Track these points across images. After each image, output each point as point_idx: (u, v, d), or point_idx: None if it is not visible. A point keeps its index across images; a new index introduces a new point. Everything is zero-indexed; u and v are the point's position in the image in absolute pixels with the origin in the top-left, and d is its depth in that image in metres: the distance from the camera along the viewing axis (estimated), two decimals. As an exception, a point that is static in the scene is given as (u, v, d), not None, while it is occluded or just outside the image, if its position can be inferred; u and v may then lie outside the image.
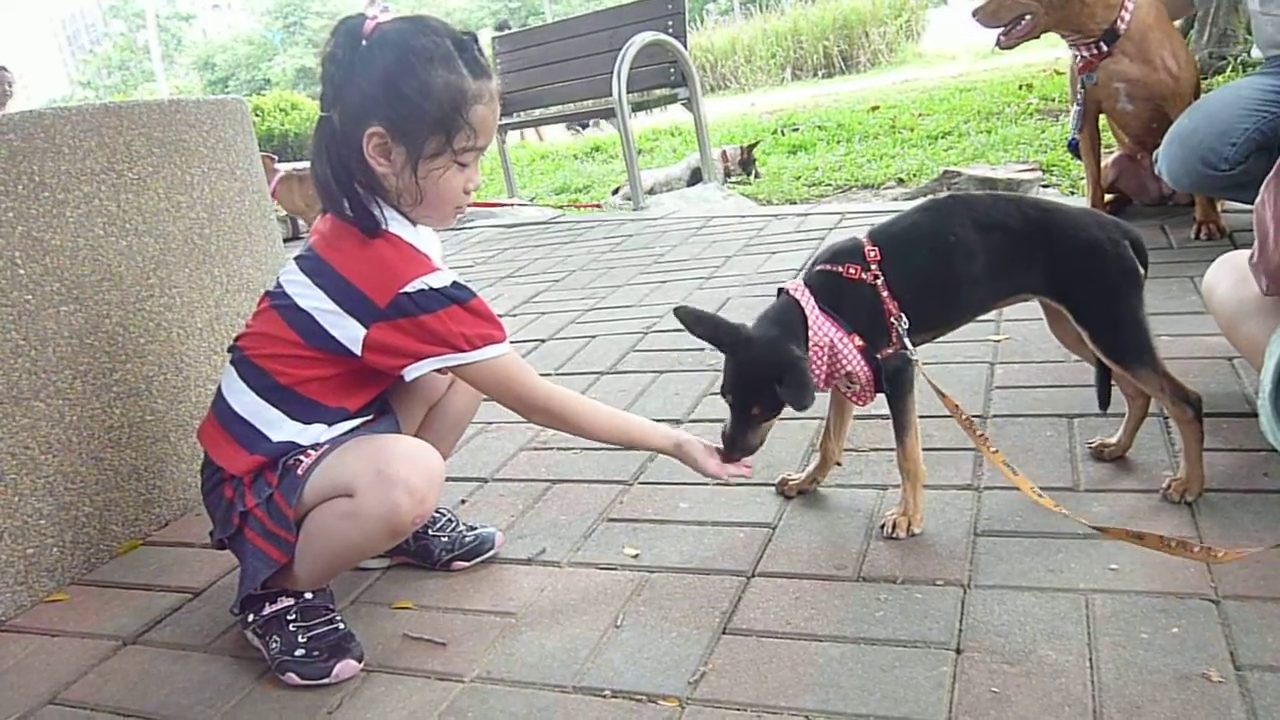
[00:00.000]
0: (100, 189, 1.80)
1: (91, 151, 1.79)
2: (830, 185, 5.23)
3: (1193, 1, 3.12)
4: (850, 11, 16.44)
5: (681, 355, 2.46)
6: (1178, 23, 3.30)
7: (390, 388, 1.51)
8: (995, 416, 1.83)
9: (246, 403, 1.39)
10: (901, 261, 1.46)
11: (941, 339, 1.61)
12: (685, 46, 5.19)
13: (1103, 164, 3.02)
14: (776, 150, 6.69)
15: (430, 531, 1.60)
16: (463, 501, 1.84)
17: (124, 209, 1.84)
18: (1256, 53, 2.75)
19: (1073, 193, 3.92)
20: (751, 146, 5.92)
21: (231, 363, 1.43)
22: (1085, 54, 2.74)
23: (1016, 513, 1.48)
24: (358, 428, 1.45)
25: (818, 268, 1.49)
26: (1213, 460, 1.48)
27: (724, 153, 5.87)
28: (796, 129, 7.43)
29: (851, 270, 1.45)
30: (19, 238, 1.67)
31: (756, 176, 5.77)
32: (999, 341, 2.19)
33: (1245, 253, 1.54)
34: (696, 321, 1.48)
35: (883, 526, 1.49)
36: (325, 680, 1.33)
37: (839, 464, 1.68)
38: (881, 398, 1.50)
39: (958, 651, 1.20)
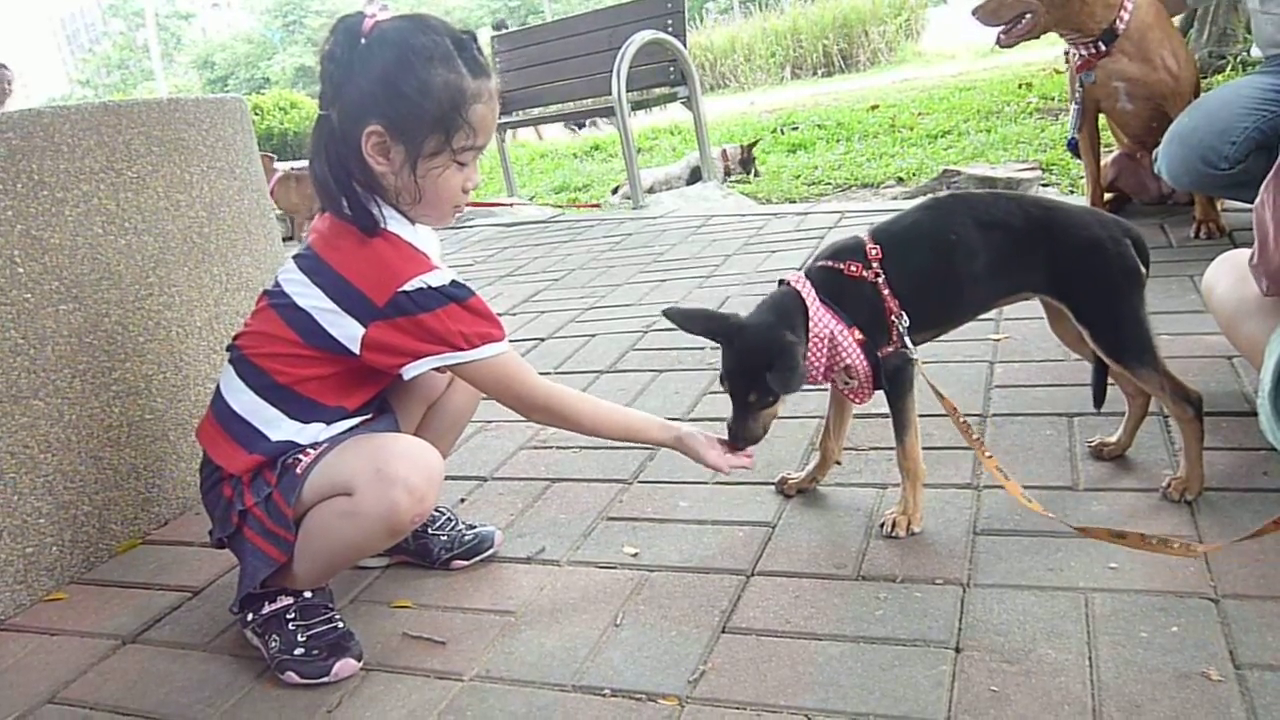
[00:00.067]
0: (99, 187, 1.80)
1: (91, 150, 1.79)
2: (830, 184, 5.23)
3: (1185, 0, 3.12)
4: (850, 10, 16.43)
5: (681, 354, 2.46)
6: (1177, 21, 3.31)
7: (389, 386, 1.51)
8: (995, 415, 1.83)
9: (245, 402, 1.39)
10: (903, 259, 1.46)
11: (941, 338, 1.61)
12: (685, 45, 5.19)
13: (1102, 163, 3.02)
14: (776, 149, 6.69)
15: (429, 530, 1.60)
16: (462, 500, 1.84)
17: (123, 207, 1.84)
18: (1256, 51, 2.75)
19: (1072, 191, 3.92)
20: (752, 146, 5.92)
21: (230, 362, 1.43)
22: (1084, 53, 2.74)
23: (1016, 512, 1.48)
24: (356, 426, 1.44)
25: (819, 264, 1.49)
26: (1212, 459, 1.48)
27: (724, 151, 5.87)
28: (796, 128, 7.42)
29: (853, 267, 1.45)
30: (18, 236, 1.66)
31: (756, 175, 5.77)
32: (999, 340, 2.19)
33: (1245, 252, 1.54)
34: (688, 319, 1.49)
35: (882, 525, 1.49)
36: (324, 679, 1.33)
37: (839, 463, 1.68)
38: (880, 396, 1.50)
39: (957, 650, 1.20)
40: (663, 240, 3.99)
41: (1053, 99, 6.43)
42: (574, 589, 1.48)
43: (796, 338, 1.41)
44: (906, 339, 1.44)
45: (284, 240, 3.47)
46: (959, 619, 1.26)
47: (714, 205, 4.79)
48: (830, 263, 1.47)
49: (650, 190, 5.47)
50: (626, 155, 5.00)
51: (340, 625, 1.39)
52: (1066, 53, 2.91)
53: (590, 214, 5.22)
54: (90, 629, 1.58)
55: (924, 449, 1.50)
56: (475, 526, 1.63)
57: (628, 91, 4.91)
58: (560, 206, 5.97)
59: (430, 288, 1.32)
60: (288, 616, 1.38)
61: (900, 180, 5.02)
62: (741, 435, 1.47)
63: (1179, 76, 2.70)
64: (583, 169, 7.91)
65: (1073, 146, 2.98)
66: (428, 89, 1.28)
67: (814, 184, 5.29)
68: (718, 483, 1.74)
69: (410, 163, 1.32)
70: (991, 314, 2.23)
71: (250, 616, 1.40)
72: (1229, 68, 5.38)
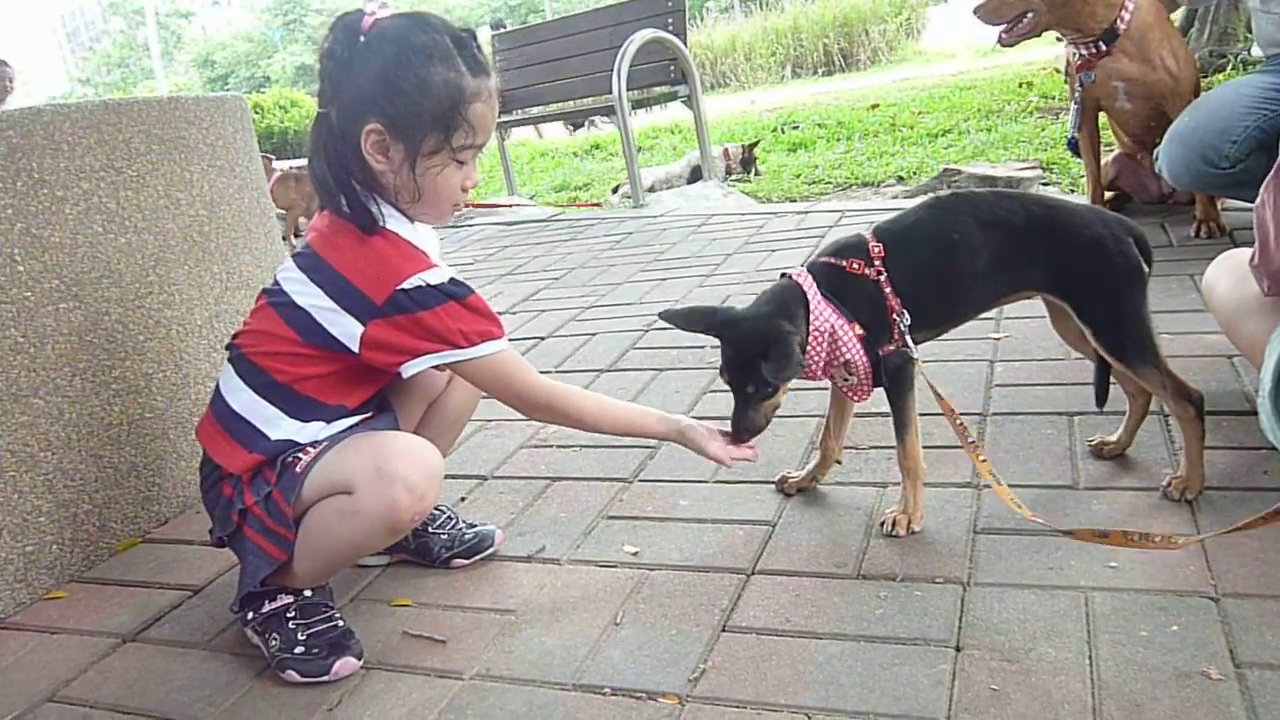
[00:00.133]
0: (99, 186, 1.80)
1: (91, 148, 1.79)
2: (830, 183, 5.23)
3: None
4: (850, 9, 16.44)
5: (681, 353, 2.46)
6: (1177, 21, 3.30)
7: (389, 385, 1.51)
8: (995, 414, 1.83)
9: (244, 401, 1.39)
10: (905, 258, 1.46)
11: (942, 336, 1.61)
12: (685, 44, 5.19)
13: (1102, 162, 3.02)
14: (776, 148, 6.69)
15: (430, 529, 1.60)
16: (462, 499, 1.84)
17: (123, 206, 1.84)
18: (1257, 51, 2.74)
19: (1073, 190, 3.92)
20: (753, 145, 5.92)
21: (229, 361, 1.43)
22: (1084, 52, 2.74)
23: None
24: (356, 425, 1.44)
25: (821, 260, 1.49)
26: (1213, 458, 1.48)
27: (726, 150, 5.86)
28: (796, 127, 7.43)
29: (855, 265, 1.45)
30: (18, 234, 1.66)
31: (757, 174, 5.77)
32: (999, 339, 2.19)
33: (1245, 251, 1.54)
34: (683, 318, 1.50)
35: (883, 524, 1.49)
36: (325, 678, 1.33)
37: (839, 461, 1.68)
38: (880, 395, 1.50)
39: (957, 649, 1.20)
40: (663, 239, 3.98)
41: (1053, 98, 6.43)
42: (574, 588, 1.48)
43: (793, 328, 1.41)
44: (908, 337, 1.44)
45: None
46: (959, 618, 1.26)
47: (714, 204, 4.79)
48: (833, 259, 1.47)
49: (651, 189, 5.47)
50: (627, 154, 5.00)
51: (340, 624, 1.39)
52: (1066, 63, 2.91)
53: (590, 213, 5.22)
54: (90, 627, 1.58)
55: (924, 448, 1.50)
56: (475, 525, 1.63)
57: (628, 90, 4.91)
58: (560, 205, 5.97)
59: (429, 285, 1.32)
60: (288, 615, 1.38)
61: (901, 179, 5.02)
62: (743, 426, 1.47)
63: (1179, 76, 2.70)
64: (583, 168, 7.91)
65: (1073, 146, 2.98)
66: (427, 87, 1.28)
67: (814, 183, 5.29)
68: (718, 481, 1.74)
69: (409, 161, 1.32)
70: (992, 313, 2.23)
71: (250, 615, 1.40)
72: (1229, 67, 5.38)
